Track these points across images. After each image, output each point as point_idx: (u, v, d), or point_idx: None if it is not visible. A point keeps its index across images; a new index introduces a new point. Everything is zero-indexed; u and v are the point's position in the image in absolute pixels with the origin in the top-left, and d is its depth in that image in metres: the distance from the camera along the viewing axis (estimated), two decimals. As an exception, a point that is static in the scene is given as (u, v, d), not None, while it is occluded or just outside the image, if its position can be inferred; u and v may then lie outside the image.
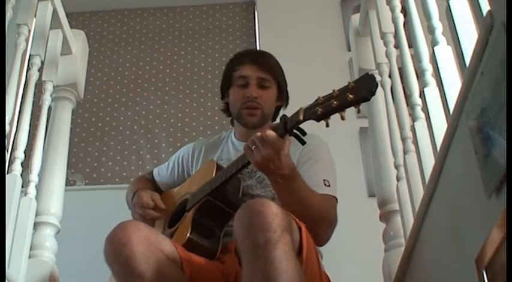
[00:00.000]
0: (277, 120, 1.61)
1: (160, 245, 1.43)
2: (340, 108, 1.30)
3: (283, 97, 1.90)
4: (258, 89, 1.81)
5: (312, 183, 1.59)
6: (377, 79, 1.28)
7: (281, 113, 1.85)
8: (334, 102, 1.30)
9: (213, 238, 1.63)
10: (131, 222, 1.45)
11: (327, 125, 1.33)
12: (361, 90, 1.27)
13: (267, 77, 1.82)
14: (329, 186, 1.65)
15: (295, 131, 1.41)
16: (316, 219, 1.53)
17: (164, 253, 1.42)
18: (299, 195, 1.52)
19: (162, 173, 2.02)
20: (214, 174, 1.69)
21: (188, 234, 1.60)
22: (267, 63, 1.86)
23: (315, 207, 1.55)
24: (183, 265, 1.46)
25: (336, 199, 1.67)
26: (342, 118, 1.30)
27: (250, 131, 1.81)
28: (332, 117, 1.32)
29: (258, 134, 1.44)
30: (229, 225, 1.65)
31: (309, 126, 1.41)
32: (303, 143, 1.43)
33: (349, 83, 1.30)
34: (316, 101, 1.35)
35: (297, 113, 1.39)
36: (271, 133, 1.43)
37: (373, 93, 1.26)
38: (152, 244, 1.40)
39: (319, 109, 1.33)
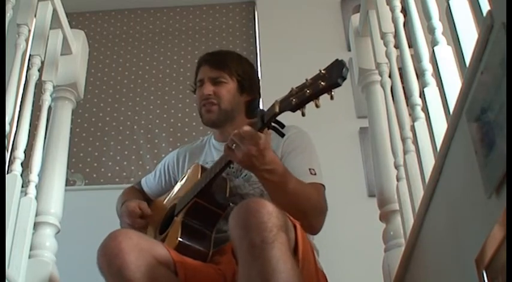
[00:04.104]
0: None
1: (152, 250, 1.44)
2: (314, 96, 1.31)
3: (249, 91, 1.90)
4: (212, 86, 1.84)
5: (298, 173, 1.60)
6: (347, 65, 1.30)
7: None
8: (307, 91, 1.32)
9: (204, 240, 1.63)
10: (121, 231, 1.46)
11: (303, 115, 1.35)
12: (332, 77, 1.29)
13: (218, 75, 1.86)
14: (315, 174, 1.66)
15: (273, 124, 1.42)
16: (308, 210, 1.55)
17: (156, 258, 1.43)
18: (288, 188, 1.52)
19: (149, 182, 2.04)
20: (199, 177, 1.70)
21: (178, 238, 1.60)
22: (218, 61, 1.89)
23: (306, 197, 1.56)
24: (177, 268, 1.46)
25: (324, 186, 1.68)
26: (317, 106, 1.32)
27: (223, 130, 1.84)
28: (307, 106, 1.34)
29: (236, 131, 1.45)
30: (223, 231, 1.66)
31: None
32: (282, 135, 1.45)
33: (320, 70, 1.32)
34: (290, 92, 1.37)
35: (272, 106, 1.41)
36: (248, 128, 1.44)
37: (344, 78, 1.28)
38: (144, 251, 1.41)
39: (294, 99, 1.34)
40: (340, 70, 1.28)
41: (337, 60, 1.31)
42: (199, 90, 1.88)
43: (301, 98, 1.33)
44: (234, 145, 1.45)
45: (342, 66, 1.28)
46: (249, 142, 1.43)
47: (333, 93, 1.29)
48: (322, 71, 1.31)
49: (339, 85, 1.28)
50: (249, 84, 1.91)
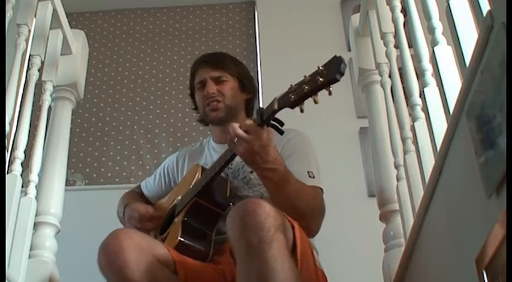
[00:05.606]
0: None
1: (153, 249, 1.44)
2: (312, 92, 1.33)
3: (248, 89, 1.94)
4: (215, 85, 1.86)
5: (297, 176, 1.60)
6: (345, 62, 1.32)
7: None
8: (306, 87, 1.33)
9: (204, 239, 1.63)
10: (122, 230, 1.47)
11: (301, 111, 1.36)
12: (330, 73, 1.30)
13: (220, 74, 1.88)
14: (314, 177, 1.67)
15: (272, 121, 1.43)
16: (307, 211, 1.55)
17: (157, 258, 1.43)
18: (288, 188, 1.52)
19: (149, 185, 2.04)
20: (199, 177, 1.70)
21: (179, 237, 1.60)
22: (217, 62, 1.92)
23: (305, 198, 1.56)
24: (177, 267, 1.47)
25: (322, 190, 1.68)
26: (315, 102, 1.33)
27: (225, 129, 1.82)
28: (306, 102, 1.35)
29: (236, 125, 1.46)
30: (222, 232, 1.65)
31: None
32: (281, 132, 1.45)
33: (318, 67, 1.33)
34: (289, 88, 1.38)
35: (271, 103, 1.41)
36: (250, 122, 1.45)
37: (342, 74, 1.29)
38: (144, 250, 1.41)
39: (292, 96, 1.35)
40: (338, 66, 1.29)
41: (335, 56, 1.32)
42: (201, 91, 1.89)
43: (299, 94, 1.34)
44: (236, 139, 1.45)
45: (340, 62, 1.29)
46: (252, 136, 1.43)
47: (331, 88, 1.31)
48: (321, 68, 1.33)
49: (337, 80, 1.29)
50: (249, 83, 1.95)
